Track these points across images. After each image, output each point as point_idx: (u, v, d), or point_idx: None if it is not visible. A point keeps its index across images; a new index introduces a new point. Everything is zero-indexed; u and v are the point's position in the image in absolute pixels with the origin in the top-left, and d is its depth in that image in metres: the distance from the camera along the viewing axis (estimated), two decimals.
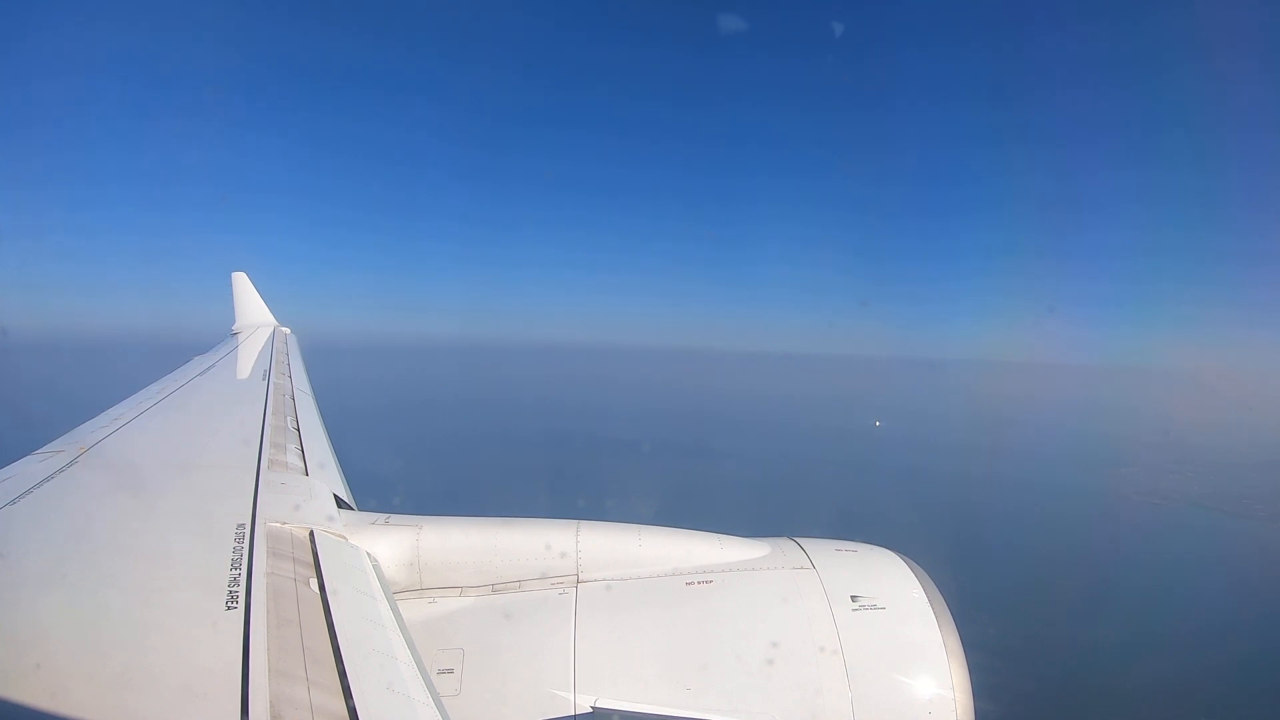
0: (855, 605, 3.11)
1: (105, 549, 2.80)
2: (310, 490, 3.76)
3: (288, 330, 13.64)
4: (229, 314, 14.98)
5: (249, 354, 10.44)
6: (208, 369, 8.59)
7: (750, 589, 3.25)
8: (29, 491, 3.33)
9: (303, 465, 4.40)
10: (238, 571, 2.47)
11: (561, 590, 3.30)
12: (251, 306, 15.07)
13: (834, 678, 2.89)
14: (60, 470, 3.71)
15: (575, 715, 2.80)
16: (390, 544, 3.34)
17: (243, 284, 15.42)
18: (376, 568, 3.05)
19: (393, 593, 2.95)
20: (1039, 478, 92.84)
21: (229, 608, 2.20)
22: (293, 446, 4.80)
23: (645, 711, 2.81)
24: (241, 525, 2.92)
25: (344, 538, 3.16)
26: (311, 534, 3.01)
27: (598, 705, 2.82)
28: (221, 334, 13.69)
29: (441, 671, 2.89)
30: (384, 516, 3.56)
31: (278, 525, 3.00)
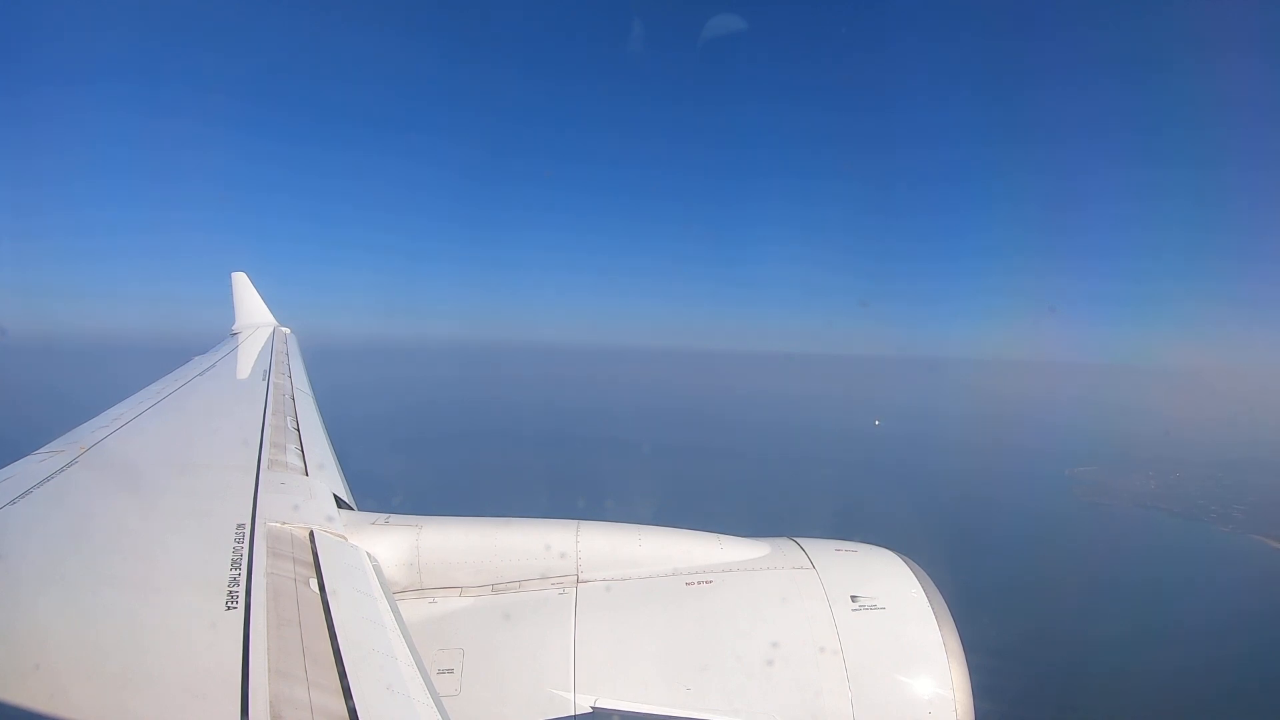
0: (855, 605, 3.10)
1: (105, 549, 2.79)
2: (310, 490, 3.75)
3: (288, 330, 13.63)
4: (229, 314, 15.01)
5: (249, 354, 10.43)
6: (208, 369, 8.58)
7: (750, 589, 3.25)
8: (29, 491, 3.33)
9: (303, 465, 4.40)
10: (238, 571, 2.47)
11: (561, 590, 3.29)
12: (251, 306, 15.08)
13: (834, 678, 2.89)
14: (60, 470, 3.70)
15: (575, 715, 2.80)
16: (390, 544, 3.34)
17: (242, 284, 15.43)
18: (376, 568, 3.04)
19: (393, 593, 2.95)
20: (1038, 476, 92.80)
21: (229, 608, 2.20)
22: (293, 446, 4.79)
23: (645, 711, 2.81)
24: (241, 525, 2.92)
25: (344, 538, 3.16)
26: (311, 534, 3.01)
27: (598, 705, 2.82)
28: (221, 334, 13.70)
29: (441, 671, 2.89)
30: (384, 516, 3.56)
31: (278, 525, 3.00)
